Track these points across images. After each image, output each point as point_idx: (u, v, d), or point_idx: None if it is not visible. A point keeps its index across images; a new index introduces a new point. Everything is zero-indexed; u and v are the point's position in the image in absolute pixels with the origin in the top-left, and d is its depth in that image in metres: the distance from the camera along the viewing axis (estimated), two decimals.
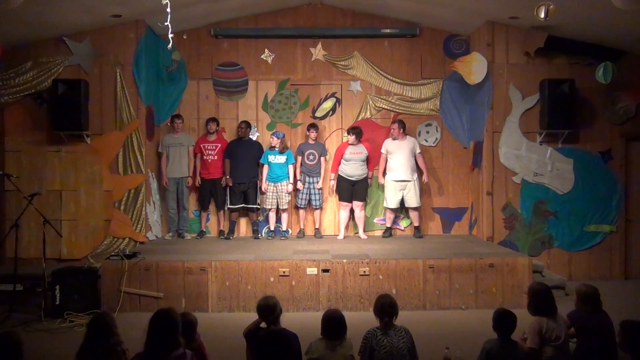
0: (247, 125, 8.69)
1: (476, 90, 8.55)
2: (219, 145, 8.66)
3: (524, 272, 6.73)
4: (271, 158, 8.53)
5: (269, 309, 4.05)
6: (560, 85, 7.90)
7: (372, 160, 8.73)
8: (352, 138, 8.46)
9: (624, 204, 8.30)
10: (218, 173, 8.60)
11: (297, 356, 3.79)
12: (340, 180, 8.55)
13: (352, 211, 8.67)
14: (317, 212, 8.79)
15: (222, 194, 8.67)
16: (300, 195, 8.68)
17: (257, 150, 8.66)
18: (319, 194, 8.67)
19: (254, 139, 8.88)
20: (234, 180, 8.55)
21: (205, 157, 8.62)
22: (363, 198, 8.64)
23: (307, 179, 8.65)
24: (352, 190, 8.54)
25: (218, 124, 8.71)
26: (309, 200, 8.72)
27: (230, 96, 8.99)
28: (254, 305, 4.35)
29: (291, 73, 9.03)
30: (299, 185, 8.64)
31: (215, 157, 8.60)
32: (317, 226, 8.80)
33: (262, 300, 4.15)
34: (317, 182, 8.63)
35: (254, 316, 4.27)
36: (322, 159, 8.64)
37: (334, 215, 8.99)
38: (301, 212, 8.77)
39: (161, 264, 6.65)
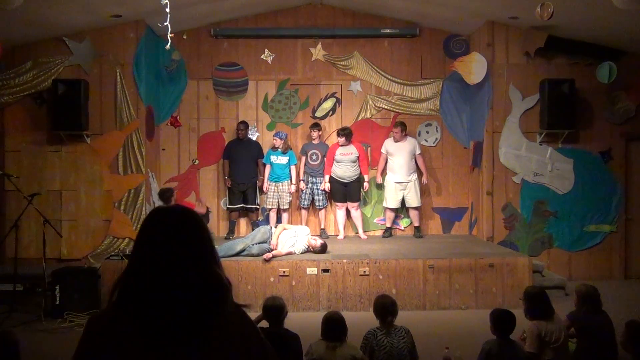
0: (246, 126, 8.69)
1: (476, 90, 8.54)
2: None
3: (524, 272, 6.72)
4: (273, 158, 8.52)
5: (277, 311, 4.00)
6: (560, 85, 7.90)
7: (369, 160, 8.72)
8: (342, 140, 8.40)
9: (624, 203, 8.29)
10: None
11: (298, 357, 3.79)
12: (333, 181, 8.51)
13: (348, 212, 8.67)
14: (322, 212, 8.76)
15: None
16: (303, 196, 8.66)
17: (256, 151, 8.65)
18: (322, 194, 8.64)
19: (254, 139, 8.88)
20: (234, 180, 8.55)
21: None
22: (357, 199, 8.57)
23: (310, 179, 8.64)
24: (344, 192, 8.51)
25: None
26: (312, 201, 8.71)
27: (230, 96, 8.98)
28: (254, 305, 4.33)
29: (291, 73, 9.02)
30: (302, 185, 8.63)
31: None
32: (322, 226, 8.77)
33: (269, 301, 4.08)
34: (321, 183, 8.58)
35: (253, 317, 4.26)
36: (326, 159, 8.60)
37: (333, 215, 8.98)
38: (304, 212, 8.74)
39: None
